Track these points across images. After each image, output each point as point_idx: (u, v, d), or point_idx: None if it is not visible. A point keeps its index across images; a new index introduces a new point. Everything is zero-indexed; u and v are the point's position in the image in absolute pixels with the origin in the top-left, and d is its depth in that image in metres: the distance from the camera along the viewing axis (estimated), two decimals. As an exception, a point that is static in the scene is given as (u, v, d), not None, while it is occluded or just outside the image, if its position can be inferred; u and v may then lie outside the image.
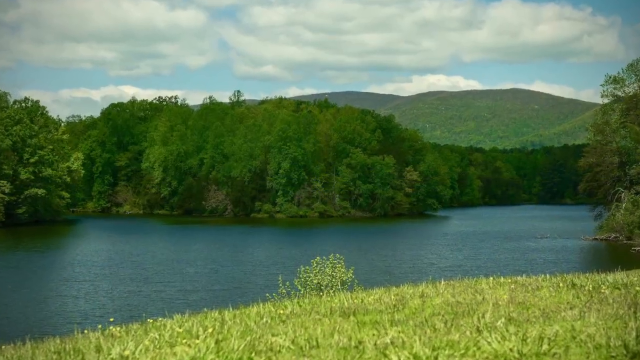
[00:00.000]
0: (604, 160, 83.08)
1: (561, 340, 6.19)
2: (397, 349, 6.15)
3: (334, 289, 23.33)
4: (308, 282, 24.11)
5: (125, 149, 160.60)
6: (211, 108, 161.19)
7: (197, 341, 7.09)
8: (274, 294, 22.50)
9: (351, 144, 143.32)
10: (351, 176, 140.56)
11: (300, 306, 10.56)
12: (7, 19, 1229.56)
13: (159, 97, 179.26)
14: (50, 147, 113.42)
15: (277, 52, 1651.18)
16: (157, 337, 7.69)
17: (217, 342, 6.99)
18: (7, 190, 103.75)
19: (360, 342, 6.54)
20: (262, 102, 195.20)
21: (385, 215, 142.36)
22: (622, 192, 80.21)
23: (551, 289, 10.86)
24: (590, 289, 10.63)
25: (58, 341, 8.78)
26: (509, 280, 12.81)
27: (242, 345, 6.66)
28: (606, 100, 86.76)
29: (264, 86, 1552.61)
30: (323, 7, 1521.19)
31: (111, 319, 18.69)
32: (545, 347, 5.96)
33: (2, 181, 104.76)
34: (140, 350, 6.94)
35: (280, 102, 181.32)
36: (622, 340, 5.97)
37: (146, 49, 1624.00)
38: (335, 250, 44.22)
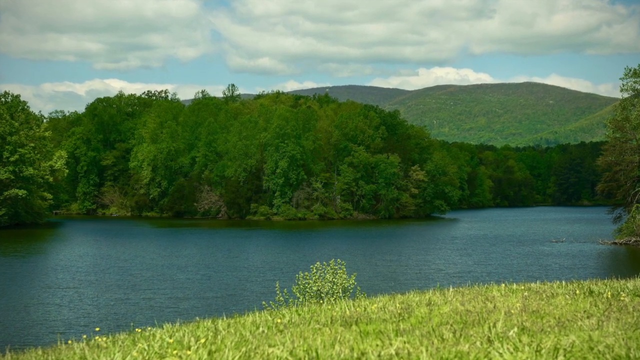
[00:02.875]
0: (623, 159, 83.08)
1: (578, 351, 6.20)
2: (402, 360, 6.16)
3: (335, 296, 23.34)
4: (307, 289, 24.12)
5: (111, 147, 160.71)
6: (204, 103, 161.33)
7: (188, 352, 7.10)
8: (270, 302, 22.51)
9: (353, 141, 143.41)
10: (353, 176, 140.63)
11: (298, 315, 10.57)
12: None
13: (148, 91, 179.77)
14: (32, 144, 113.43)
15: (274, 43, 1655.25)
16: (146, 348, 7.69)
17: (210, 353, 7.00)
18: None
19: (363, 354, 6.54)
20: (258, 96, 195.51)
21: (389, 217, 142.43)
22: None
23: (567, 296, 10.88)
24: (609, 296, 10.64)
25: (40, 352, 8.80)
26: (522, 287, 12.82)
27: (237, 357, 6.67)
28: (626, 95, 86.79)
29: (260, 80, 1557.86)
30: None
31: (97, 329, 18.70)
32: (560, 358, 5.97)
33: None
34: (128, 362, 6.95)
35: (278, 96, 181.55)
36: (642, 352, 5.98)
37: (134, 40, 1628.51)
38: (336, 255, 44.31)
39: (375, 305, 11.08)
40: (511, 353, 6.17)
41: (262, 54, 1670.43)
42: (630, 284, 12.60)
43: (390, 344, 6.89)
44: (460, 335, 7.28)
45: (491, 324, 7.89)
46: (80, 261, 65.00)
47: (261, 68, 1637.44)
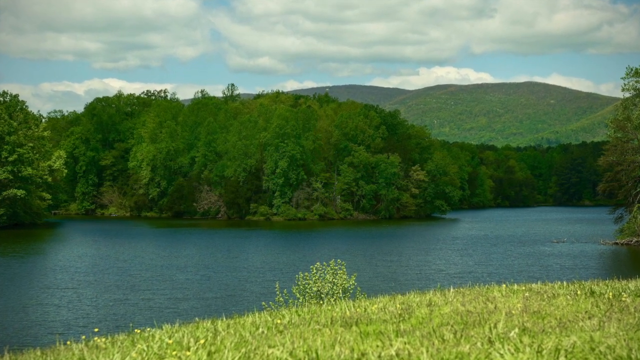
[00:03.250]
0: (625, 159, 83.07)
1: (579, 352, 6.20)
2: (402, 361, 6.15)
3: (335, 297, 23.34)
4: (307, 290, 24.12)
5: (110, 147, 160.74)
6: (203, 103, 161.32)
7: (188, 353, 7.10)
8: (270, 303, 22.52)
9: (353, 141, 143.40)
10: (353, 176, 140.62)
11: (298, 315, 10.57)
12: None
13: (147, 91, 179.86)
14: (31, 144, 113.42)
15: (274, 42, 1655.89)
16: (145, 348, 7.69)
17: (209, 354, 7.00)
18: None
19: (363, 354, 6.54)
20: (258, 96, 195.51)
21: (390, 217, 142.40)
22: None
23: (568, 297, 10.88)
24: (611, 297, 10.64)
25: (39, 353, 8.80)
26: (523, 288, 12.82)
27: (237, 358, 6.67)
28: (627, 95, 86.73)
29: (259, 79, 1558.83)
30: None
31: (96, 329, 18.71)
32: (561, 359, 5.96)
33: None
34: (127, 363, 6.95)
35: (278, 96, 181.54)
36: (644, 352, 5.97)
37: (133, 40, 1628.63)
38: (337, 255, 44.30)
39: (376, 305, 11.08)
40: (512, 354, 6.18)
41: (262, 54, 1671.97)
42: (631, 284, 12.61)
43: (391, 345, 6.89)
44: (461, 336, 7.29)
45: (492, 325, 7.89)
46: (79, 262, 64.98)
47: (261, 67, 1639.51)
